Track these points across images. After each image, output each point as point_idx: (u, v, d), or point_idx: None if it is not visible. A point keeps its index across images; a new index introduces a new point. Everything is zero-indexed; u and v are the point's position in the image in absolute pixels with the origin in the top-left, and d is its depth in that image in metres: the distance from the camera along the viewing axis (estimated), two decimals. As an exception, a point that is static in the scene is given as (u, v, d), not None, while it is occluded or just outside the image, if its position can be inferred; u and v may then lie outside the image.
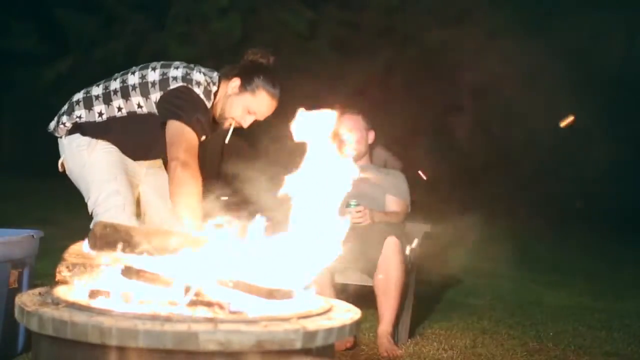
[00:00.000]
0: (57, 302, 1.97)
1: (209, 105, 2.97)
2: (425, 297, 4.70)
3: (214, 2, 10.86)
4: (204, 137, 2.95)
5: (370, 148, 4.23)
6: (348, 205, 3.80)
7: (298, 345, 1.84)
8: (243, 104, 3.01)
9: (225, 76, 3.07)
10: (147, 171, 3.22)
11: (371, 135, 4.16)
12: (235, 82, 3.02)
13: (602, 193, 11.69)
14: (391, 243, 3.64)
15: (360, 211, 3.80)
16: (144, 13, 11.36)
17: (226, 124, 3.06)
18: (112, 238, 2.09)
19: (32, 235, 3.22)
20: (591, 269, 7.28)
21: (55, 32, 11.65)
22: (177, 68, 3.02)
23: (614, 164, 11.59)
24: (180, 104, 2.90)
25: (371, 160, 4.26)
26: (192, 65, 3.07)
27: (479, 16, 10.84)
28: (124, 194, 3.00)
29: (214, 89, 3.02)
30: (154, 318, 1.84)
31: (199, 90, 2.95)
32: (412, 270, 3.85)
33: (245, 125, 3.05)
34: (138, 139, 3.09)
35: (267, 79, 3.01)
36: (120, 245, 2.08)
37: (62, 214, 7.00)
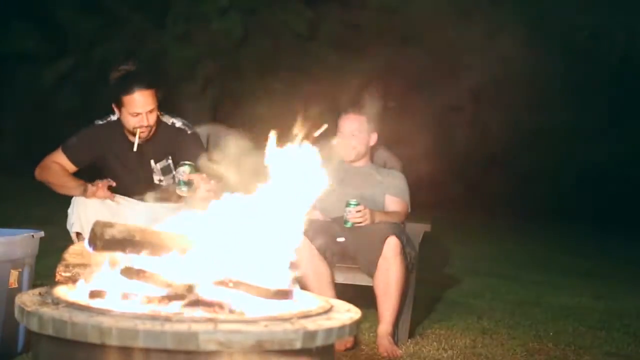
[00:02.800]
0: (57, 302, 1.97)
1: (101, 122, 3.69)
2: (425, 297, 4.69)
3: (214, 2, 10.85)
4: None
5: (372, 150, 4.22)
6: (348, 205, 3.80)
7: (298, 345, 1.85)
8: (126, 115, 3.52)
9: None
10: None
11: (373, 138, 4.14)
12: (113, 106, 3.59)
13: (602, 192, 11.69)
14: (391, 243, 3.64)
15: (360, 211, 3.80)
16: (144, 13, 11.36)
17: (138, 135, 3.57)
18: (112, 237, 2.09)
19: (32, 235, 3.22)
20: (591, 269, 7.28)
21: (55, 32, 11.64)
22: None
23: (614, 163, 11.59)
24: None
25: (372, 161, 4.25)
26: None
27: (478, 16, 10.83)
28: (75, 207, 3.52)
29: (114, 117, 3.68)
30: (154, 318, 1.84)
31: (98, 120, 3.70)
32: (412, 270, 3.85)
33: (146, 122, 3.52)
34: None
35: (119, 90, 3.52)
36: (120, 245, 2.08)
37: (62, 214, 6.98)
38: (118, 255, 2.10)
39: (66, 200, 3.65)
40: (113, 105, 3.58)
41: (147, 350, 1.79)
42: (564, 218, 10.96)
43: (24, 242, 3.17)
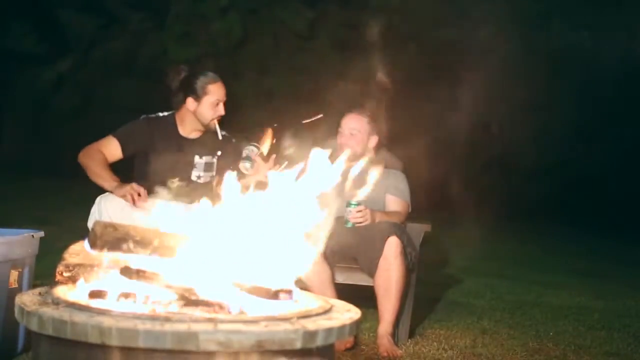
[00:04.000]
0: (57, 302, 1.97)
1: (152, 115, 3.82)
2: (425, 297, 4.69)
3: (214, 2, 10.86)
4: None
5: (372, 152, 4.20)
6: (348, 205, 3.80)
7: (298, 345, 1.85)
8: (208, 105, 3.73)
9: (176, 108, 3.82)
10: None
11: (373, 140, 4.11)
12: (188, 100, 3.75)
13: (602, 192, 11.69)
14: (392, 243, 3.64)
15: (360, 211, 3.80)
16: (144, 13, 11.37)
17: (212, 127, 3.78)
18: (112, 237, 2.09)
19: (32, 235, 3.22)
20: (591, 269, 7.28)
21: (55, 32, 11.65)
22: None
23: (614, 163, 11.59)
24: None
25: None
26: None
27: (478, 16, 10.84)
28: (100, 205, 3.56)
29: (163, 114, 3.83)
30: (154, 318, 1.84)
31: (149, 115, 3.82)
32: (413, 270, 3.85)
33: (223, 112, 3.75)
34: None
35: (201, 77, 3.74)
36: (120, 245, 2.08)
37: (62, 214, 7.00)
38: (118, 255, 2.11)
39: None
40: (190, 99, 3.74)
41: (147, 350, 1.79)
42: (564, 218, 10.96)
43: (24, 242, 3.17)
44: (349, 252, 3.81)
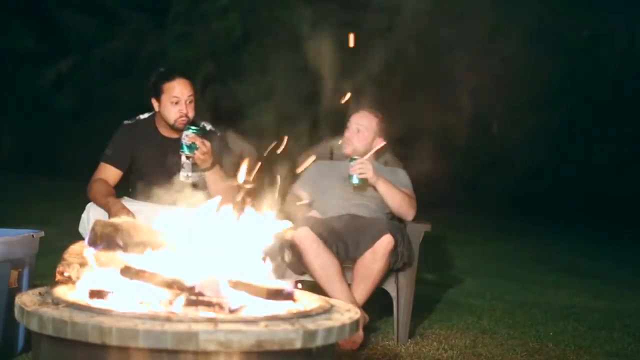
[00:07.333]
0: (57, 302, 1.97)
1: (130, 121, 3.81)
2: (425, 297, 4.70)
3: (214, 2, 10.87)
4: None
5: (376, 152, 4.20)
6: (351, 161, 3.83)
7: (298, 345, 1.84)
8: (167, 103, 3.67)
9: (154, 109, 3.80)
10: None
11: (378, 141, 4.09)
12: (153, 102, 3.74)
13: (601, 192, 11.69)
14: (385, 241, 3.61)
15: (361, 163, 3.80)
16: (144, 13, 11.38)
17: (178, 127, 3.67)
18: (113, 237, 2.09)
19: (32, 235, 3.22)
20: (591, 269, 7.28)
21: (55, 32, 11.65)
22: None
23: (614, 163, 11.60)
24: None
25: (374, 159, 4.23)
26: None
27: (479, 15, 10.84)
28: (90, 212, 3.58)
29: (145, 115, 3.83)
30: (154, 318, 1.84)
31: (126, 121, 3.81)
32: (404, 269, 3.81)
33: (185, 111, 3.66)
34: None
35: (160, 77, 3.70)
36: (120, 245, 2.08)
37: (62, 214, 6.99)
38: (118, 254, 2.11)
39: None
40: (153, 100, 3.72)
41: (147, 350, 1.79)
42: (563, 218, 10.96)
43: (24, 242, 3.17)
44: (339, 237, 3.75)
